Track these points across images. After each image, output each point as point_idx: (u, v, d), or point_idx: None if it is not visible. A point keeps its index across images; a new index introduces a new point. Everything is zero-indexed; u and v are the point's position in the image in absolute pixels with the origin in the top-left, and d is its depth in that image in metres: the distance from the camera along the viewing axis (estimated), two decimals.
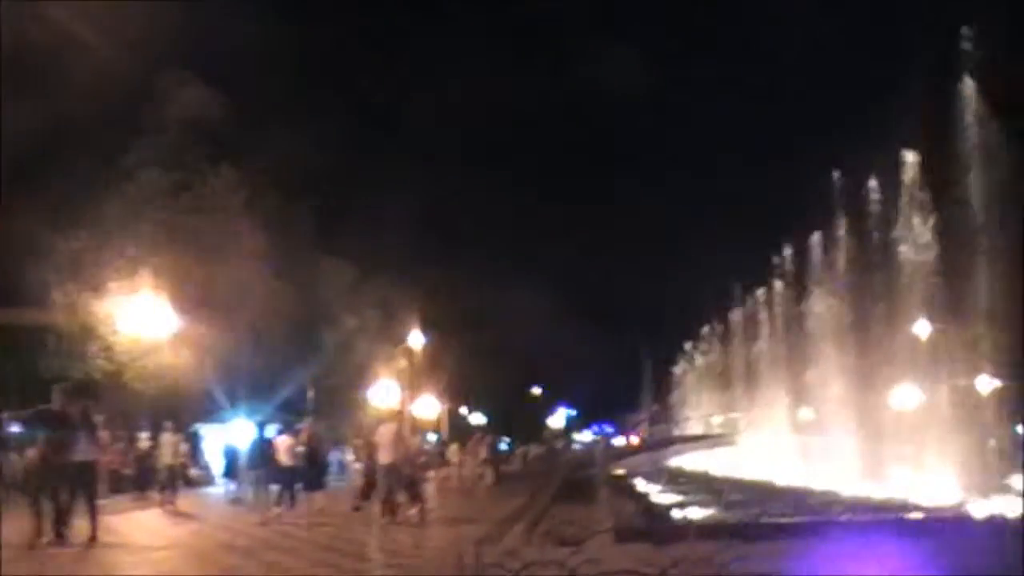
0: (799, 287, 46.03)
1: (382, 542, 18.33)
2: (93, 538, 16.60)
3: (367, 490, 25.16)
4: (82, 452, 17.01)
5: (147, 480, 31.54)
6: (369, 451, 27.12)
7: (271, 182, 43.35)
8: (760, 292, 53.63)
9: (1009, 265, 28.72)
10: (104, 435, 27.98)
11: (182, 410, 39.58)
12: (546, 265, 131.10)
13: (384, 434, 23.28)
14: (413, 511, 22.16)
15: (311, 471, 23.94)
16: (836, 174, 38.40)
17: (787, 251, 47.55)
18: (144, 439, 33.98)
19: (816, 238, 41.99)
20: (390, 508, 21.88)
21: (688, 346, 78.63)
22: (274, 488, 24.40)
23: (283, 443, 25.30)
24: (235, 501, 28.94)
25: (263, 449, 25.85)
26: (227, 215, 40.04)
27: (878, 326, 36.62)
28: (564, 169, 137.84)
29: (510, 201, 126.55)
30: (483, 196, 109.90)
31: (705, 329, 71.67)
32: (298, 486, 23.82)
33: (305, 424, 27.13)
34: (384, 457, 22.44)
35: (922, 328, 37.97)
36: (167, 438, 29.44)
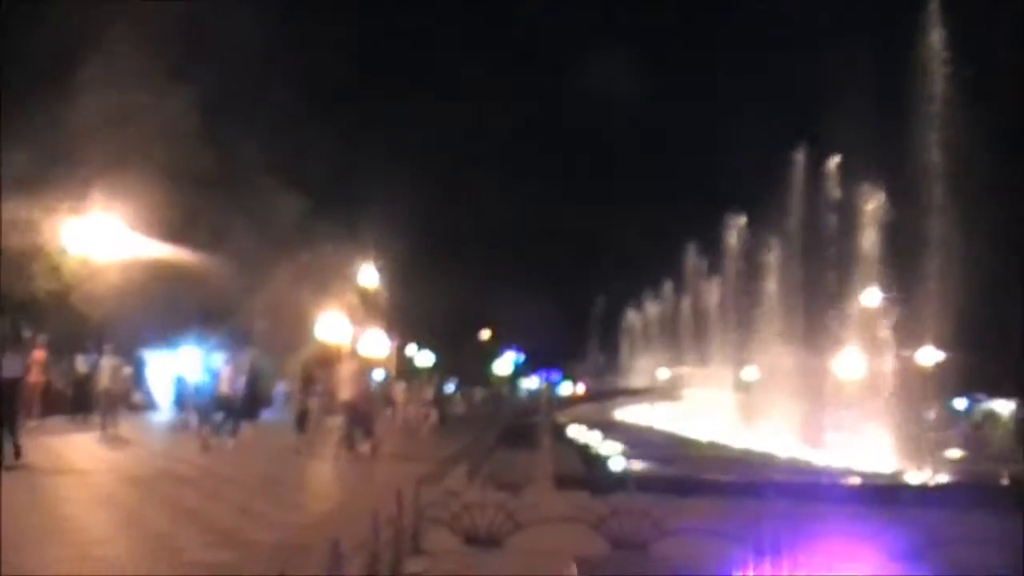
0: (753, 247, 46.31)
1: (321, 474, 18.37)
2: (17, 456, 16.18)
3: (301, 421, 25.09)
4: (8, 369, 16.66)
5: (86, 403, 30.75)
6: (305, 383, 28.04)
7: (229, 108, 42.69)
8: (713, 252, 53.93)
9: (965, 239, 29.08)
10: (39, 354, 27.85)
11: (128, 335, 39.20)
12: (505, 208, 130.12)
13: (345, 372, 23.85)
14: (365, 447, 22.19)
15: (249, 401, 24.15)
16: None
17: (742, 216, 47.91)
18: (82, 361, 33.40)
19: (773, 201, 42.17)
20: (348, 443, 22.07)
21: (639, 300, 79.04)
22: (217, 417, 24.40)
23: (225, 373, 25.18)
24: (180, 428, 28.77)
25: (210, 379, 25.71)
26: (182, 139, 39.34)
27: (829, 292, 36.94)
28: (532, 106, 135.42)
29: (479, 138, 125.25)
30: (449, 132, 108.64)
31: (657, 285, 71.99)
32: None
33: (246, 354, 27.08)
34: (344, 394, 22.78)
35: (871, 297, 38.37)
36: (106, 362, 27.92)
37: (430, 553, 9.83)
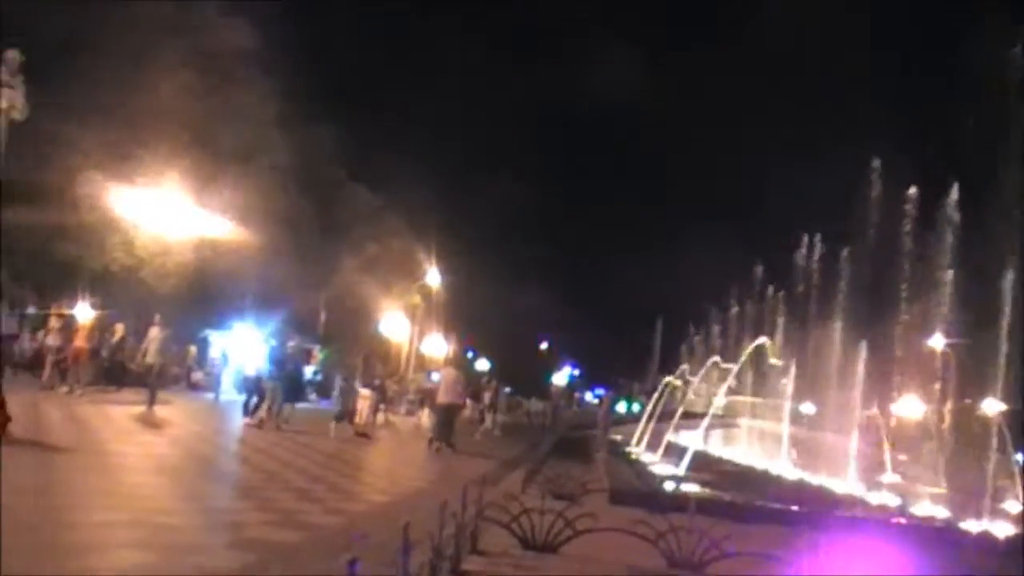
0: (819, 283, 45.91)
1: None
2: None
3: (347, 413, 26.30)
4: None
5: (118, 374, 30.78)
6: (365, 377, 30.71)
7: (307, 97, 43.16)
8: (780, 278, 53.47)
9: None
10: (86, 323, 28.08)
11: (194, 313, 39.73)
12: (576, 224, 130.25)
13: (446, 377, 26.74)
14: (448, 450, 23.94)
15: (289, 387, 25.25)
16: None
17: (811, 249, 47.45)
18: (121, 329, 32.82)
19: (843, 238, 41.73)
20: (447, 438, 24.32)
21: (701, 324, 78.60)
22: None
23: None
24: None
25: (281, 363, 26.00)
26: (260, 125, 39.80)
27: (894, 333, 36.53)
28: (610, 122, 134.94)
29: (556, 153, 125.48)
30: (523, 151, 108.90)
31: (720, 311, 71.51)
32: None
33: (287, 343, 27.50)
34: (443, 397, 25.20)
35: (937, 341, 37.93)
36: (154, 332, 26.37)
37: (487, 553, 9.87)
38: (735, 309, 67.30)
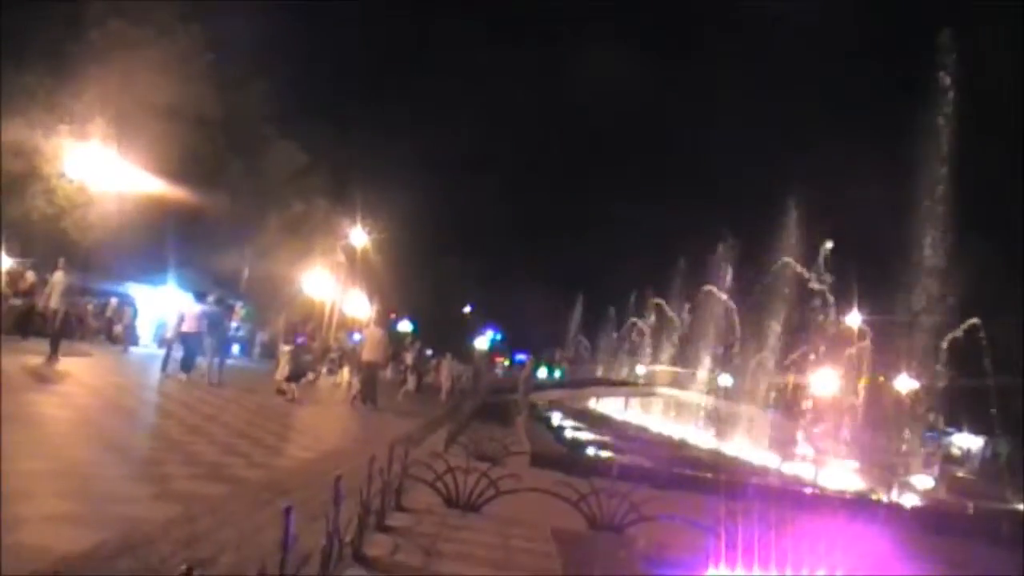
0: (743, 262, 46.55)
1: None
2: None
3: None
4: None
5: (29, 323, 29.49)
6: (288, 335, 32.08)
7: (238, 53, 42.51)
8: (704, 262, 54.01)
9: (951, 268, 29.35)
10: None
11: (115, 266, 39.18)
12: (506, 197, 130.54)
13: (370, 336, 27.59)
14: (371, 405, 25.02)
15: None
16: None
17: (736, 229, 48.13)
18: (30, 276, 31.97)
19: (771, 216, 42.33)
20: (371, 397, 25.29)
21: (624, 299, 79.16)
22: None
23: (188, 315, 25.69)
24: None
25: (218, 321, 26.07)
26: (188, 78, 39.13)
27: (813, 310, 37.12)
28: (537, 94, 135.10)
29: (487, 127, 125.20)
30: (457, 117, 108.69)
31: (644, 287, 72.06)
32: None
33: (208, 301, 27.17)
34: (367, 356, 26.04)
35: (854, 318, 38.64)
36: (58, 277, 24.61)
37: (412, 510, 9.96)
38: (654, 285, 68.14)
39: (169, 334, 27.73)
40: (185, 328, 25.11)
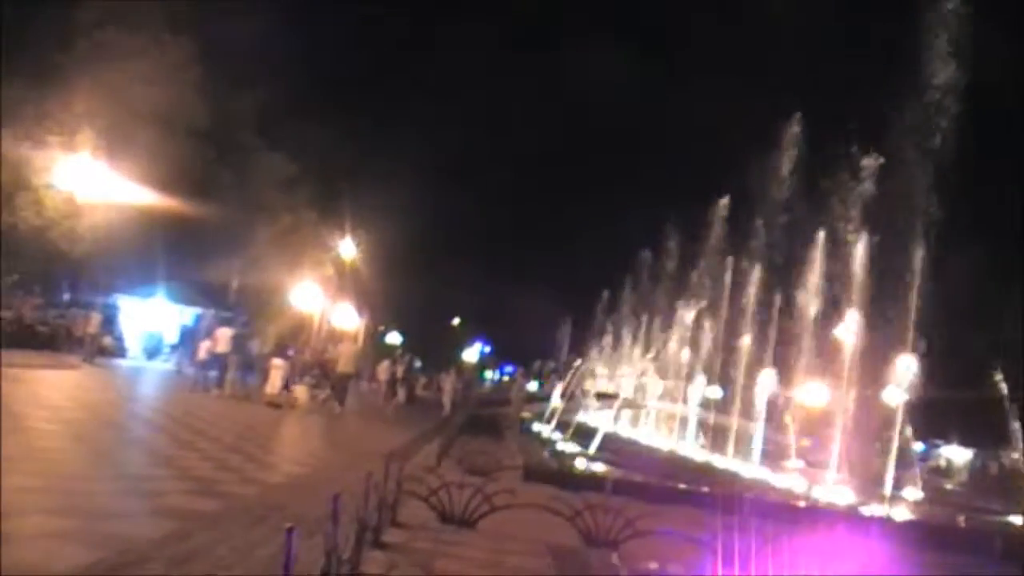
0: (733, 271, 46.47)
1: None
2: None
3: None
4: None
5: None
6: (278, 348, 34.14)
7: (227, 64, 42.36)
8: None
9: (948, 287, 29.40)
10: None
11: (103, 278, 39.05)
12: (498, 209, 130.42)
13: (345, 348, 30.38)
14: (339, 408, 27.56)
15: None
16: None
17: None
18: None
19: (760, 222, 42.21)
20: (341, 400, 27.86)
21: (610, 310, 79.02)
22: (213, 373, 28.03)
23: (221, 335, 28.65)
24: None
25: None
26: (178, 89, 38.95)
27: (803, 321, 37.12)
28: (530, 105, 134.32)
29: (478, 139, 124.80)
30: (447, 128, 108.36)
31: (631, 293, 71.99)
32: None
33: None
34: (342, 367, 28.56)
35: (844, 331, 38.61)
36: None
37: (407, 526, 9.92)
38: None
39: (202, 355, 29.38)
40: (220, 349, 27.88)
